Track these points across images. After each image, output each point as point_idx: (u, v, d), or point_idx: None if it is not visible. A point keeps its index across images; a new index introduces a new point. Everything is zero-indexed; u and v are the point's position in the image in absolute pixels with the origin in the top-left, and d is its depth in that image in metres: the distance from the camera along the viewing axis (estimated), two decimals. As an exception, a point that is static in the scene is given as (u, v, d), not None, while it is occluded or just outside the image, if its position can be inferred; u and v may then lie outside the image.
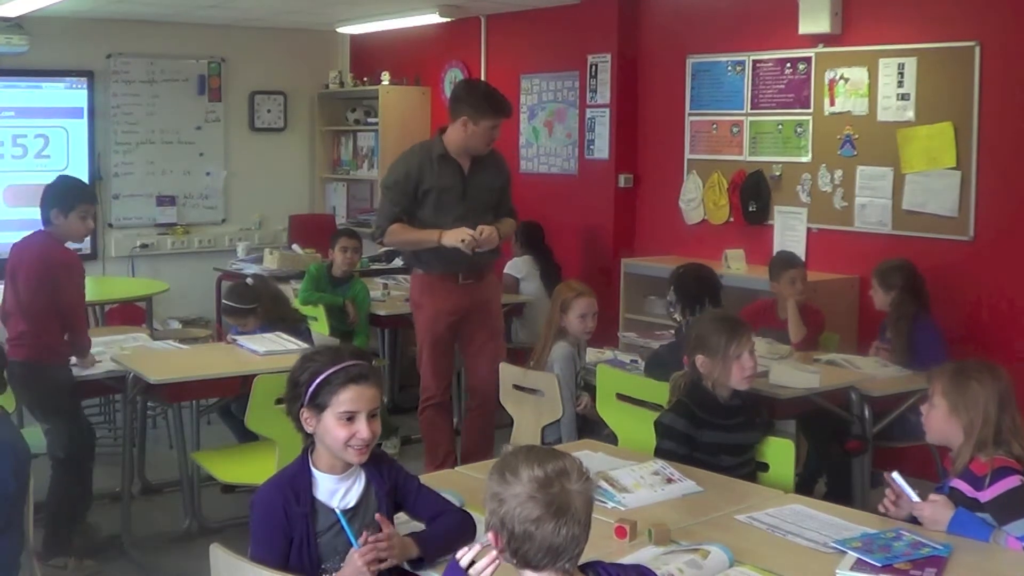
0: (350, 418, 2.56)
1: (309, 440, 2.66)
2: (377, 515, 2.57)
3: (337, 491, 2.62)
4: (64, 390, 4.57)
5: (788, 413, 4.53)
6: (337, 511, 2.56)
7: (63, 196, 4.56)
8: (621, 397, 4.32)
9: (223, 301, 5.75)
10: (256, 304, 5.47)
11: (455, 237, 4.89)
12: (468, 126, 4.94)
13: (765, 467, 3.59)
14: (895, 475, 2.93)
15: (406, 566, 2.60)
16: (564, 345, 4.62)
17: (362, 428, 2.56)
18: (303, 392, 2.60)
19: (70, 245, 4.69)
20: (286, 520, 2.55)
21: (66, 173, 5.22)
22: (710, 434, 3.52)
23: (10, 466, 3.18)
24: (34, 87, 8.17)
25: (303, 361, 2.67)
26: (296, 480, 2.61)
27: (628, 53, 7.07)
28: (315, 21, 8.53)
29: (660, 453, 3.49)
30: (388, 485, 2.67)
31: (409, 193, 5.00)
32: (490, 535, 2.02)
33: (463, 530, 2.67)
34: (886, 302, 5.03)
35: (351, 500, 2.63)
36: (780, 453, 3.58)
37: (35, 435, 4.53)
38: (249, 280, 6.31)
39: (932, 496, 2.89)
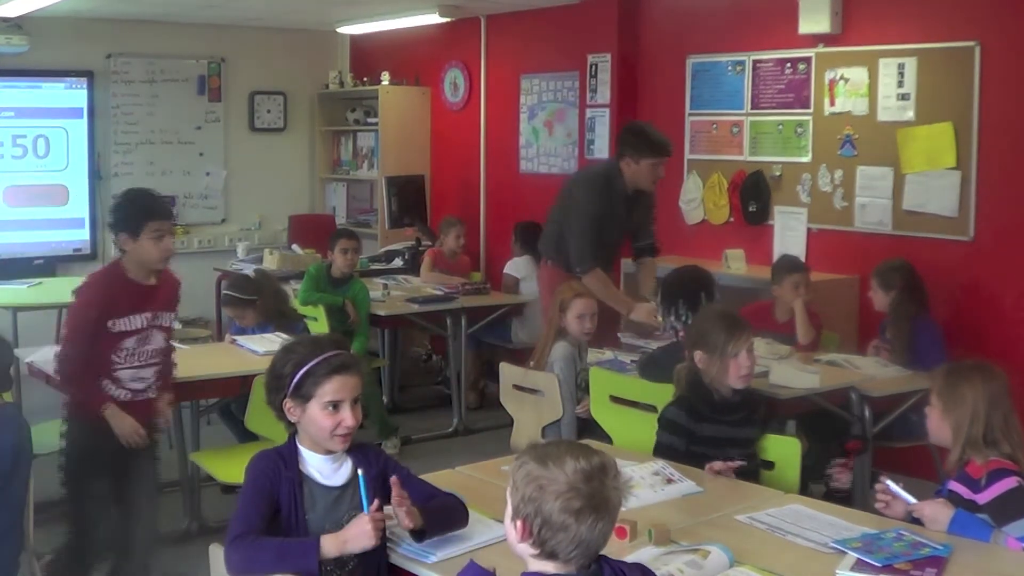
0: (335, 407, 2.63)
1: (292, 429, 2.73)
2: (392, 477, 2.62)
3: (323, 469, 2.69)
4: (73, 451, 3.94)
5: (788, 413, 4.53)
6: (360, 474, 2.59)
7: (128, 216, 3.88)
8: (615, 399, 4.32)
9: (224, 292, 5.77)
10: (257, 297, 5.47)
11: (643, 315, 5.18)
12: (631, 165, 5.25)
13: (770, 465, 3.61)
14: (888, 482, 2.95)
15: (407, 540, 2.65)
16: (564, 345, 4.62)
17: (347, 416, 2.64)
18: (287, 383, 2.66)
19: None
20: (275, 483, 2.61)
21: (138, 187, 4.33)
22: (710, 427, 3.53)
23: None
24: (34, 87, 8.16)
25: (284, 353, 2.73)
26: (284, 451, 2.70)
27: (628, 53, 7.06)
28: (315, 21, 8.53)
29: (659, 447, 3.52)
30: (375, 470, 2.72)
31: (599, 225, 5.29)
32: (519, 523, 1.98)
33: (458, 510, 2.74)
34: (886, 303, 5.03)
35: (338, 480, 2.70)
36: (786, 452, 3.58)
37: (40, 434, 4.51)
38: (251, 273, 6.31)
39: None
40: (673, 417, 3.56)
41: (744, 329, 3.58)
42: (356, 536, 2.50)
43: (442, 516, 2.68)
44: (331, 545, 2.50)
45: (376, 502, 2.55)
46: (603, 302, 5.26)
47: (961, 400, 2.99)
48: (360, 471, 2.60)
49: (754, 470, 3.55)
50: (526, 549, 2.00)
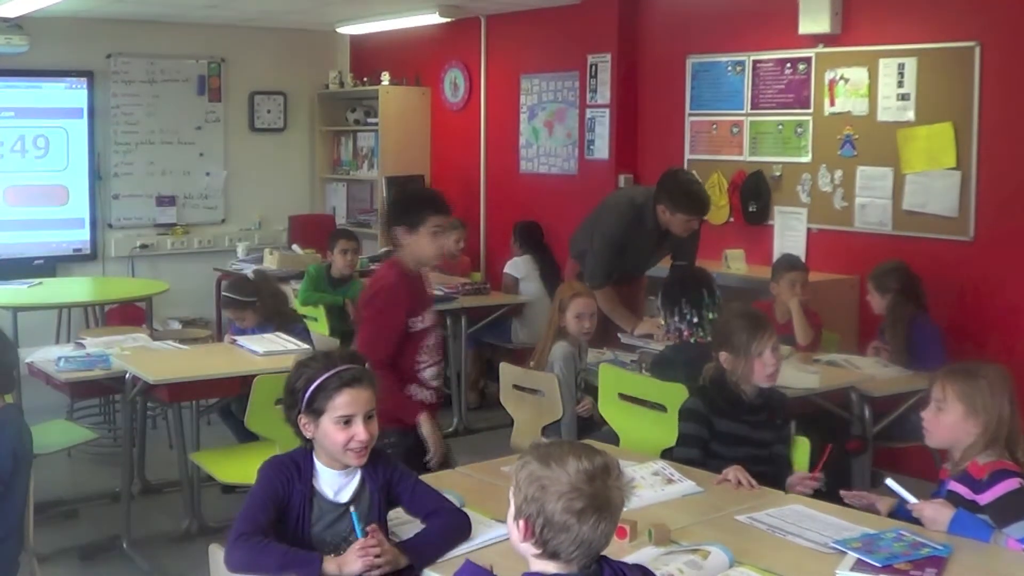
0: (347, 421, 2.62)
1: (309, 444, 2.71)
2: (371, 527, 2.59)
3: (334, 485, 2.68)
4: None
5: (788, 413, 4.53)
6: (352, 511, 2.60)
7: (408, 209, 3.79)
8: (623, 397, 4.33)
9: (223, 294, 5.78)
10: (255, 298, 5.48)
11: (648, 328, 5.26)
12: (665, 213, 5.27)
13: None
14: (888, 481, 2.95)
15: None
16: (564, 345, 4.62)
17: (359, 431, 2.62)
18: (300, 399, 2.65)
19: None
20: (285, 491, 2.61)
21: (415, 185, 4.18)
22: (726, 423, 3.55)
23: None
24: (34, 87, 8.16)
25: (297, 368, 2.72)
26: (299, 462, 2.68)
27: (628, 53, 7.06)
28: (315, 21, 8.53)
29: (685, 438, 3.54)
30: (381, 481, 2.71)
31: (619, 251, 5.40)
32: (521, 523, 1.99)
33: (458, 529, 2.71)
34: (883, 305, 5.02)
35: (346, 496, 2.68)
36: (796, 451, 3.60)
37: (41, 434, 4.50)
38: (250, 274, 6.32)
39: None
40: (693, 406, 3.60)
41: (767, 328, 3.59)
42: (351, 563, 2.51)
43: (438, 543, 2.66)
44: (331, 566, 2.51)
45: (369, 528, 2.55)
46: (608, 313, 5.33)
47: (990, 400, 2.94)
48: (352, 508, 2.61)
49: (764, 474, 3.54)
50: (528, 549, 2.00)
